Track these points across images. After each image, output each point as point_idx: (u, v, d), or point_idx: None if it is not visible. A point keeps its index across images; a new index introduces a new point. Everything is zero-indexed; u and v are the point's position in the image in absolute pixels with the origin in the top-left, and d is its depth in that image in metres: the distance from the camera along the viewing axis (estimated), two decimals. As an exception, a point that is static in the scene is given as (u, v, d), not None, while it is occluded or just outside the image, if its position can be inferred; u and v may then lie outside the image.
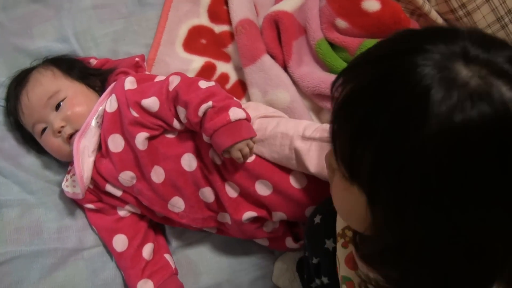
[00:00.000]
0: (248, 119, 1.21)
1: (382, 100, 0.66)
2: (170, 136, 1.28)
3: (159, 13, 1.61)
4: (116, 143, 1.27)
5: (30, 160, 1.40)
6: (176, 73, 1.28)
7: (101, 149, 1.30)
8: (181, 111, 1.22)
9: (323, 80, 1.49)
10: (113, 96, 1.28)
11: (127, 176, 1.27)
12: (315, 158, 1.20)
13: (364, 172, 0.69)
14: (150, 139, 1.26)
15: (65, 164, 1.39)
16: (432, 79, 0.63)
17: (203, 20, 1.63)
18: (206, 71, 1.58)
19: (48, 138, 1.30)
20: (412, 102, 0.64)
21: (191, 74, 1.55)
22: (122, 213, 1.34)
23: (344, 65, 1.53)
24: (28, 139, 1.38)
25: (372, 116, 0.67)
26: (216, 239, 1.42)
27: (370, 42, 1.51)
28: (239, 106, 1.20)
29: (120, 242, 1.32)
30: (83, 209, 1.38)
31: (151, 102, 1.23)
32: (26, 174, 1.37)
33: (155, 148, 1.26)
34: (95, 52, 1.52)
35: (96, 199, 1.34)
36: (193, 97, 1.18)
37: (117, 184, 1.29)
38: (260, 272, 1.41)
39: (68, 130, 1.28)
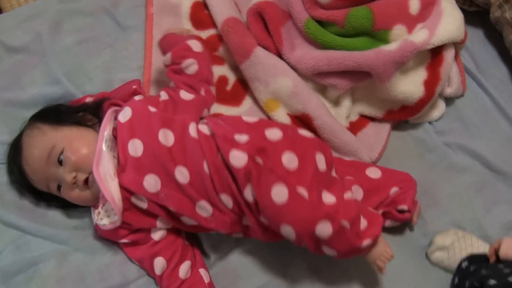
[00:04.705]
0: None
1: None
2: (194, 135, 1.20)
3: (143, 33, 1.54)
4: (135, 147, 1.18)
5: (52, 212, 1.31)
6: None
7: (118, 166, 1.21)
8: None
9: (320, 58, 1.44)
10: (126, 108, 1.22)
11: (151, 180, 1.17)
12: None
13: None
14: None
15: (86, 207, 1.29)
16: None
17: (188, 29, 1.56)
18: (204, 78, 1.50)
19: (66, 193, 1.22)
20: None
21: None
22: (156, 236, 1.24)
23: (336, 39, 1.47)
24: (45, 199, 1.30)
25: None
26: (251, 243, 1.34)
27: (356, 11, 1.46)
28: None
29: (159, 264, 1.23)
30: (118, 244, 1.28)
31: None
32: (52, 227, 1.28)
33: (182, 147, 1.19)
34: (89, 86, 1.44)
35: (128, 232, 1.24)
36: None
37: (142, 193, 1.18)
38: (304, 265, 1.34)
39: (81, 177, 1.19)
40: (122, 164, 1.18)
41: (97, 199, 1.21)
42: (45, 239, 1.26)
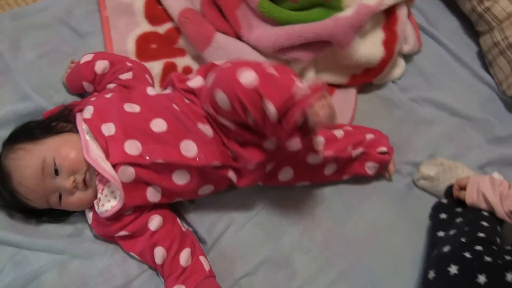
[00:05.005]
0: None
1: None
2: (155, 93, 1.31)
3: (101, 37, 1.54)
4: (108, 128, 1.21)
5: (44, 224, 1.31)
6: None
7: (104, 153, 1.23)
8: None
9: (279, 34, 1.46)
10: (86, 108, 1.26)
11: (131, 144, 1.20)
12: None
13: None
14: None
15: (79, 213, 1.31)
16: None
17: (144, 27, 1.58)
18: (169, 71, 1.51)
19: (68, 200, 1.23)
20: None
21: (155, 80, 1.49)
22: (153, 226, 1.25)
23: (291, 13, 1.50)
24: (36, 216, 1.29)
25: None
26: (243, 222, 1.37)
27: (307, -17, 1.49)
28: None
29: (159, 254, 1.24)
30: (116, 244, 1.29)
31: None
32: (47, 238, 1.27)
33: (148, 106, 1.26)
34: (58, 97, 1.43)
35: (126, 222, 1.25)
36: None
37: (127, 159, 1.19)
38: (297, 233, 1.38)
39: (79, 178, 1.21)
40: (104, 149, 1.21)
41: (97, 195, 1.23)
42: (42, 251, 1.25)
